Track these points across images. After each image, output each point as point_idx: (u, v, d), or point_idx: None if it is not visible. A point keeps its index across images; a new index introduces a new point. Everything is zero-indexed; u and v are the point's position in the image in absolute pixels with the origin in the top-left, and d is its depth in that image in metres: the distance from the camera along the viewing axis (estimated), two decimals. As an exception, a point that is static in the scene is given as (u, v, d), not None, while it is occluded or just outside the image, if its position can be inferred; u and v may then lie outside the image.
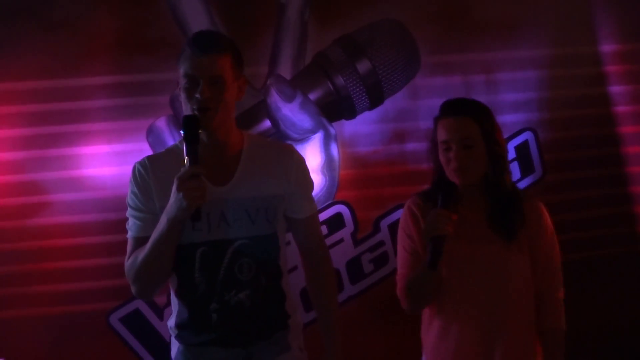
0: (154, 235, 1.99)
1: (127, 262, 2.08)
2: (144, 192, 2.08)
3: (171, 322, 2.18)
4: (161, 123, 3.11)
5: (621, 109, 3.52)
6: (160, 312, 3.19)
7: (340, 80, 3.12)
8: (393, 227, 3.29)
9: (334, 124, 3.17)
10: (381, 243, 3.31)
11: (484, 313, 2.18)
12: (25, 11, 3.09)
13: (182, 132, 1.93)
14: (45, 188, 3.14)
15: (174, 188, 1.91)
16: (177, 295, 2.14)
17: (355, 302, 3.28)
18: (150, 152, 3.11)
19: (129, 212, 2.11)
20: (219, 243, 2.06)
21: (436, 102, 3.27)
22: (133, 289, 2.09)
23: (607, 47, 3.48)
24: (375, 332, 3.31)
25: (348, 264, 3.27)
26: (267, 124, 3.13)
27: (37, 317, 3.15)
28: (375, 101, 3.20)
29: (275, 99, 3.07)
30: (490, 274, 2.17)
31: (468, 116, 2.19)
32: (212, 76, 2.00)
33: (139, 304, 3.18)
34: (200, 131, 1.95)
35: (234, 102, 2.08)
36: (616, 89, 3.51)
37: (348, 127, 3.26)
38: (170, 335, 2.21)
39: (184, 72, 2.02)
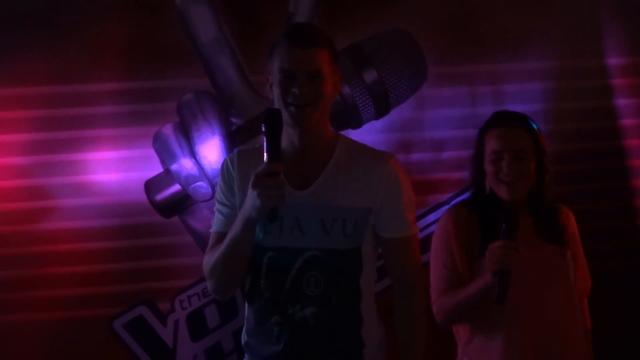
0: (230, 234, 1.90)
1: (205, 257, 2.00)
2: (229, 186, 1.99)
3: (244, 328, 2.07)
4: (168, 130, 3.11)
5: (627, 121, 3.51)
6: (164, 318, 3.19)
7: (346, 90, 3.12)
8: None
9: (340, 133, 3.17)
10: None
11: (542, 321, 2.13)
12: (33, 17, 3.11)
13: (262, 126, 1.79)
14: (51, 193, 3.15)
15: (250, 185, 1.79)
16: (246, 299, 2.04)
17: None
18: (156, 159, 3.12)
19: (215, 206, 2.04)
20: (289, 251, 1.93)
21: (442, 113, 3.30)
22: (208, 285, 2.00)
23: (614, 60, 3.48)
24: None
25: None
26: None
27: (41, 322, 3.15)
28: (381, 111, 3.21)
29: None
30: (543, 279, 2.14)
31: (522, 128, 2.16)
32: (311, 71, 1.87)
33: (143, 311, 3.18)
34: (281, 127, 1.82)
35: (329, 100, 1.94)
36: (622, 101, 3.51)
37: (354, 136, 3.22)
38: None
39: (279, 67, 1.88)
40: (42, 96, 3.13)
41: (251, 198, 1.79)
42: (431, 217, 3.34)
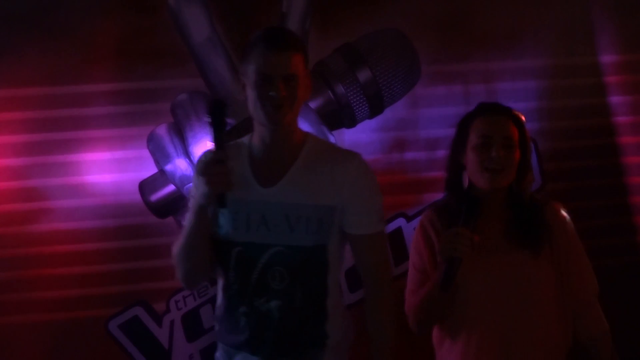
0: (186, 224, 1.99)
1: (173, 248, 2.08)
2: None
3: (215, 315, 2.17)
4: (162, 130, 3.11)
5: (621, 119, 3.52)
6: (159, 319, 3.19)
7: (340, 89, 3.12)
8: (392, 236, 3.30)
9: (334, 132, 3.17)
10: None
11: (505, 327, 2.05)
12: (27, 18, 3.10)
13: (208, 117, 1.89)
14: (45, 194, 3.15)
15: (197, 172, 1.88)
16: (220, 289, 2.11)
17: (354, 311, 3.27)
18: (150, 160, 3.12)
19: (190, 202, 2.07)
20: (255, 246, 2.00)
21: (436, 112, 3.30)
22: (177, 274, 2.09)
23: (607, 58, 3.49)
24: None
25: (347, 273, 3.26)
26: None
27: (36, 323, 3.15)
28: (375, 110, 3.21)
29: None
30: (511, 285, 2.04)
31: (509, 118, 2.10)
32: (287, 74, 1.94)
33: (138, 311, 3.18)
34: (226, 117, 1.91)
35: (301, 102, 2.01)
36: (616, 99, 3.51)
37: (348, 135, 3.27)
38: None
39: (256, 69, 1.94)
40: (36, 97, 3.13)
41: (200, 185, 1.89)
42: (426, 216, 3.35)
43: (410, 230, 3.34)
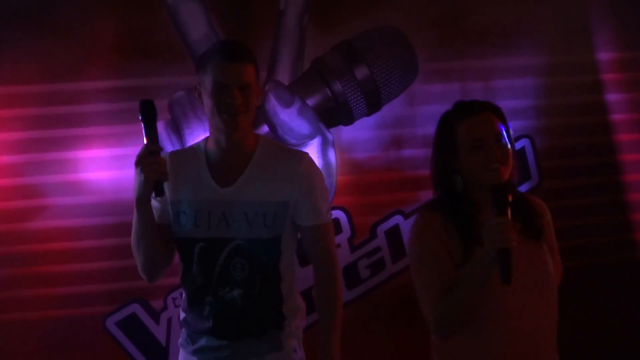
0: (134, 219, 2.14)
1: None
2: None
3: (181, 306, 2.33)
4: (159, 127, 3.10)
5: (618, 116, 3.53)
6: (157, 316, 3.20)
7: (338, 86, 3.13)
8: (390, 233, 3.31)
9: (331, 129, 3.18)
10: (378, 249, 3.32)
11: (528, 317, 2.01)
12: (24, 15, 3.10)
13: (140, 116, 2.07)
14: (43, 192, 3.14)
15: (134, 165, 2.05)
16: (182, 283, 2.26)
17: (351, 308, 3.28)
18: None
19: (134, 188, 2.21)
20: (216, 241, 2.17)
21: (434, 109, 3.27)
22: (138, 268, 2.23)
23: (604, 55, 3.50)
24: (371, 337, 3.31)
25: (345, 270, 3.28)
26: (264, 129, 3.13)
27: (33, 321, 3.15)
28: (372, 107, 3.21)
29: (273, 104, 3.08)
30: (529, 275, 2.01)
31: (493, 114, 2.08)
32: (242, 83, 2.11)
33: (136, 308, 3.18)
34: (155, 114, 2.08)
35: (254, 107, 2.17)
36: (613, 96, 3.52)
37: (346, 133, 3.27)
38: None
39: (213, 79, 2.11)
40: (33, 94, 3.13)
41: (137, 175, 2.06)
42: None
43: (407, 227, 3.35)
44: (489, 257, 1.90)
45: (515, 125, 3.41)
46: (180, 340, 2.33)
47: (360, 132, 3.28)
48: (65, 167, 3.15)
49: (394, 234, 3.33)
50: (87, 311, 3.17)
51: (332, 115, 3.18)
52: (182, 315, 2.31)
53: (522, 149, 3.41)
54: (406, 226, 3.33)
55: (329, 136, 3.15)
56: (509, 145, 2.07)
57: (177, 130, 3.08)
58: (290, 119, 3.09)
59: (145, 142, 2.05)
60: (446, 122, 2.13)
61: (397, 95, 3.24)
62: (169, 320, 3.20)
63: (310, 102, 3.13)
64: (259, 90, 2.20)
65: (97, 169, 3.17)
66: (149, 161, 2.03)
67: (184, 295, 2.29)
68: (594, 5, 3.49)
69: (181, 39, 3.13)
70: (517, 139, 3.40)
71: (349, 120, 3.22)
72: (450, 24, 3.35)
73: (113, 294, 3.18)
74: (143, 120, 2.07)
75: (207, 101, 2.14)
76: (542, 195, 3.35)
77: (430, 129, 3.31)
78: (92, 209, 3.16)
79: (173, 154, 2.30)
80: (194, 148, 2.26)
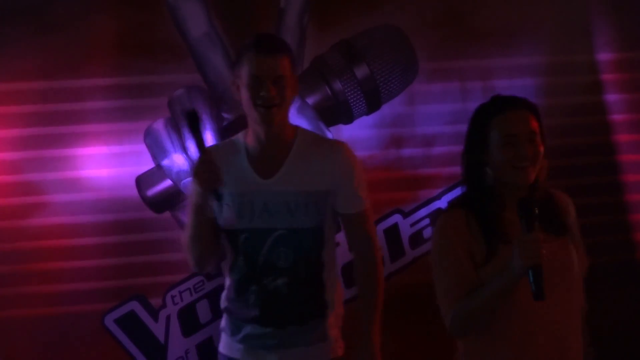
0: (189, 218, 2.24)
1: (182, 236, 2.33)
2: None
3: (223, 295, 2.39)
4: (159, 125, 3.11)
5: (617, 117, 3.53)
6: (156, 313, 3.20)
7: (338, 85, 3.13)
8: (388, 232, 3.31)
9: (331, 128, 3.18)
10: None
11: (555, 317, 2.02)
12: (24, 12, 3.10)
13: (186, 128, 2.17)
14: (42, 189, 3.15)
15: (192, 177, 2.14)
16: (228, 273, 2.34)
17: (350, 307, 3.28)
18: (147, 155, 3.13)
19: (188, 200, 2.32)
20: (260, 231, 2.24)
21: (433, 108, 3.30)
22: (189, 262, 2.33)
23: (604, 56, 3.50)
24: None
25: (344, 268, 3.28)
26: (264, 127, 3.13)
27: (32, 318, 3.15)
28: (372, 106, 3.21)
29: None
30: (555, 274, 2.00)
31: (529, 111, 2.04)
32: (276, 76, 2.16)
33: (134, 306, 3.18)
34: (201, 123, 2.21)
35: (290, 100, 2.24)
36: (612, 97, 3.52)
37: (345, 131, 3.27)
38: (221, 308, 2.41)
39: (249, 73, 2.16)
40: (33, 91, 3.13)
41: (193, 186, 2.16)
42: (422, 212, 3.36)
43: (406, 226, 3.35)
44: (518, 271, 1.89)
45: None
46: (222, 325, 2.40)
47: (360, 131, 3.28)
48: (65, 164, 3.15)
49: (392, 233, 3.33)
50: (86, 308, 3.16)
51: (331, 114, 3.18)
52: (225, 304, 2.38)
53: (522, 148, 3.41)
54: (405, 225, 3.34)
55: (329, 135, 3.16)
56: (541, 146, 2.03)
57: (176, 128, 3.08)
58: (290, 117, 3.09)
59: (196, 152, 2.17)
60: (481, 116, 2.08)
61: (397, 95, 3.24)
62: (168, 318, 3.20)
63: (310, 100, 3.13)
64: (294, 83, 2.25)
65: (96, 166, 3.17)
66: (204, 170, 2.12)
67: (228, 284, 2.36)
68: (594, 6, 3.49)
69: (181, 37, 3.13)
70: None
71: (348, 119, 3.23)
72: (451, 23, 3.35)
73: (112, 292, 3.18)
74: (191, 130, 2.16)
75: (244, 94, 2.19)
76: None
77: (429, 128, 3.34)
78: (91, 206, 3.16)
79: (213, 148, 2.36)
80: (233, 141, 2.31)
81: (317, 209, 2.25)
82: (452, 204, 2.14)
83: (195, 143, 2.15)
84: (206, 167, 2.12)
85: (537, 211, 1.91)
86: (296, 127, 2.33)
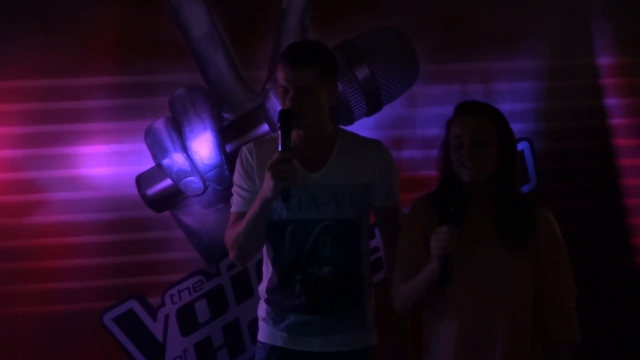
0: (249, 213, 2.29)
1: (227, 232, 2.39)
2: (247, 173, 2.38)
3: (262, 286, 2.47)
4: (159, 124, 3.12)
5: (617, 121, 3.54)
6: (154, 313, 3.20)
7: (338, 86, 3.13)
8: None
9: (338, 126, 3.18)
10: (375, 249, 3.31)
11: (480, 318, 2.19)
12: (25, 11, 3.10)
13: (278, 124, 2.19)
14: (42, 187, 3.14)
15: (266, 170, 2.17)
16: (271, 264, 2.42)
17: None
18: (147, 154, 3.13)
19: (234, 189, 2.42)
20: (307, 222, 2.34)
21: (434, 110, 3.30)
22: (230, 255, 2.41)
23: (604, 60, 3.50)
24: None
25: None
26: (265, 127, 3.14)
27: (30, 316, 3.15)
28: (373, 108, 3.22)
29: (273, 103, 3.08)
30: (488, 279, 2.18)
31: (483, 114, 2.24)
32: (300, 87, 2.24)
33: (133, 305, 3.19)
34: (292, 124, 2.21)
35: (323, 105, 2.33)
36: (612, 101, 3.53)
37: (345, 132, 3.27)
38: (260, 299, 2.49)
39: (280, 80, 2.28)
40: (34, 89, 3.13)
41: (267, 180, 2.18)
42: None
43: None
44: (435, 260, 2.10)
45: (514, 127, 3.41)
46: (263, 315, 2.46)
47: (360, 132, 3.24)
48: (65, 162, 3.14)
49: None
50: (85, 307, 3.16)
51: (332, 115, 3.17)
52: (265, 295, 2.44)
53: (521, 151, 3.42)
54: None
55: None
56: (492, 148, 2.20)
57: (177, 127, 3.09)
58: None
59: (280, 148, 2.17)
60: (448, 120, 2.29)
61: (398, 96, 3.24)
62: (166, 317, 3.20)
63: (311, 101, 3.13)
64: (331, 87, 2.34)
65: (96, 164, 3.17)
66: (280, 168, 2.16)
67: (270, 275, 2.43)
68: (595, 10, 3.49)
69: (183, 36, 3.13)
70: (516, 141, 3.40)
71: (349, 120, 3.23)
72: (452, 26, 3.35)
73: (110, 290, 3.18)
74: (281, 128, 2.20)
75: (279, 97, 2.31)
76: (540, 198, 3.40)
77: (430, 131, 3.34)
78: (91, 204, 3.16)
79: (257, 143, 2.43)
80: (276, 138, 2.31)
81: (360, 202, 2.38)
82: (425, 194, 2.35)
83: (282, 141, 2.18)
84: (284, 164, 2.16)
85: (465, 211, 2.09)
86: (336, 126, 2.46)
